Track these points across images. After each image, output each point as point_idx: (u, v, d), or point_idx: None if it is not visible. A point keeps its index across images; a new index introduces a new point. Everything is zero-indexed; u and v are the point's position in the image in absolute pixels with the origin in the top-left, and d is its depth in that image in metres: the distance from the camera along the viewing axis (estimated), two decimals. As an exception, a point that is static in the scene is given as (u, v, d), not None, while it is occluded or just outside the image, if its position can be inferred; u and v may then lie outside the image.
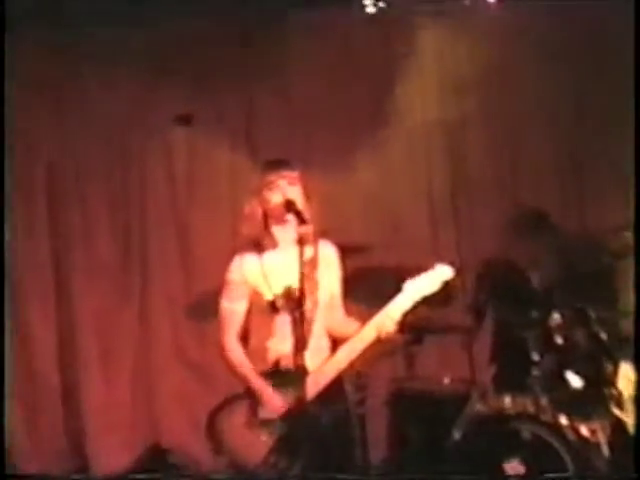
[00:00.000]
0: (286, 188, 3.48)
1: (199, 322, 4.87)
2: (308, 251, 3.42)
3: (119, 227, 5.44)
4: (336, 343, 3.53)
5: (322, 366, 3.44)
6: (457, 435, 4.09)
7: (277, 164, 3.55)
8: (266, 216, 3.53)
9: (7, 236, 5.15)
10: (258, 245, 3.53)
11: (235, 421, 3.42)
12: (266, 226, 3.53)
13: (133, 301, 5.40)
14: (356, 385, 4.16)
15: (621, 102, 4.70)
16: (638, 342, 3.86)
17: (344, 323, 3.59)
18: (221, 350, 3.53)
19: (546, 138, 5.26)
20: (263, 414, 3.41)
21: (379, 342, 3.43)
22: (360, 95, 5.37)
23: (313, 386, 3.34)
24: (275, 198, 3.49)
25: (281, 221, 3.51)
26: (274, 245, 3.52)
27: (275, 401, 3.41)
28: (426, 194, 5.40)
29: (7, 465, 4.61)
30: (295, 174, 3.52)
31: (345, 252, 3.68)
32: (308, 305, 3.37)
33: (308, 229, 3.39)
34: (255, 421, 3.40)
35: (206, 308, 4.16)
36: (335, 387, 3.47)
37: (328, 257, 3.58)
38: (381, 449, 4.50)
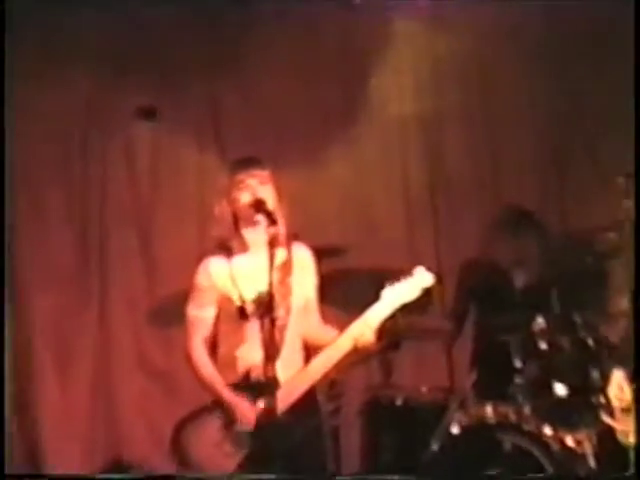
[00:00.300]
0: (256, 187, 3.46)
1: (163, 328, 4.86)
2: (280, 254, 3.40)
3: (77, 227, 5.37)
4: (310, 352, 3.52)
5: (295, 377, 3.42)
6: (435, 446, 4.05)
7: (247, 162, 3.53)
8: (236, 217, 3.50)
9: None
10: (227, 248, 3.50)
11: (202, 434, 3.39)
12: (236, 228, 3.51)
13: (92, 305, 5.34)
14: (329, 394, 4.18)
15: (613, 99, 4.76)
16: (637, 345, 3.83)
17: (320, 330, 3.58)
18: (187, 359, 3.50)
19: (528, 135, 5.27)
20: (233, 427, 3.37)
21: (355, 351, 3.42)
22: (332, 89, 5.37)
23: (285, 398, 3.32)
24: (244, 198, 3.47)
25: (251, 222, 3.48)
26: (244, 248, 3.50)
27: (247, 413, 3.38)
28: (403, 193, 5.40)
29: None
30: (265, 173, 3.51)
31: (319, 254, 3.69)
32: (280, 312, 3.35)
33: (279, 230, 3.37)
34: (224, 434, 3.36)
35: (170, 313, 4.15)
36: (308, 398, 3.45)
37: (302, 260, 3.56)
38: (355, 461, 4.47)
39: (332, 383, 4.19)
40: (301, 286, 3.51)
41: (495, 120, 5.33)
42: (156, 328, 5.03)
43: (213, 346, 3.51)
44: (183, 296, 3.60)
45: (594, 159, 5.14)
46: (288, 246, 3.47)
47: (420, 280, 3.45)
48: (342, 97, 5.38)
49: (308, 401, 3.43)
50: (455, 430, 4.05)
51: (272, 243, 3.28)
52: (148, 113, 5.29)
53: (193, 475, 3.34)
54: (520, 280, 4.57)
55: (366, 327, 3.40)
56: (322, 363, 3.40)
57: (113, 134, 5.37)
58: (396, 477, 3.95)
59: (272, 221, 3.33)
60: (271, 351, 3.23)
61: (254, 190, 3.45)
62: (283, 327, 3.38)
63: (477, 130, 5.35)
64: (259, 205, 3.41)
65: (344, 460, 4.35)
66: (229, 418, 3.38)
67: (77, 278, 5.33)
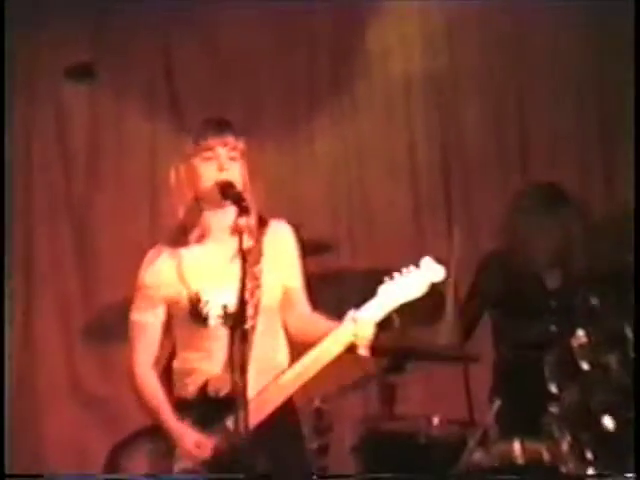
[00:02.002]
0: (225, 161, 3.43)
1: (102, 346, 4.87)
2: (249, 240, 3.38)
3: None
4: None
5: (267, 390, 3.41)
6: (450, 493, 4.08)
7: (218, 125, 3.49)
8: (196, 195, 3.47)
9: None
10: (182, 235, 3.48)
11: (138, 464, 3.41)
12: (195, 208, 3.48)
13: (14, 318, 5.33)
14: (316, 428, 4.14)
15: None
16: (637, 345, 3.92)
17: (311, 321, 3.57)
18: (130, 377, 3.50)
19: (565, 102, 5.36)
20: (177, 461, 3.39)
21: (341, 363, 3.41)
22: (319, 45, 5.41)
23: (255, 416, 3.28)
24: (209, 172, 3.43)
25: (215, 204, 3.47)
26: (203, 235, 3.48)
27: (193, 446, 3.38)
28: (408, 174, 5.41)
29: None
30: (240, 143, 3.48)
31: (303, 251, 3.66)
32: (249, 311, 3.34)
33: (251, 221, 3.36)
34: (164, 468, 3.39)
35: (111, 328, 4.08)
36: (287, 425, 3.46)
37: (281, 241, 3.55)
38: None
39: (319, 413, 4.19)
40: (278, 275, 3.50)
41: (525, 85, 5.40)
42: (93, 346, 5.02)
43: (162, 358, 3.52)
44: (126, 305, 3.60)
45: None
46: (260, 229, 3.46)
47: (428, 273, 3.44)
48: (331, 55, 5.41)
49: (287, 427, 3.45)
50: (475, 472, 4.03)
51: (238, 229, 3.27)
52: (84, 72, 5.29)
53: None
54: (555, 281, 4.58)
55: (358, 332, 3.39)
56: (295, 376, 3.41)
57: (39, 100, 5.36)
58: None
59: (243, 210, 3.32)
60: (234, 359, 3.22)
61: (221, 163, 3.42)
62: (251, 329, 3.36)
63: (500, 97, 5.41)
64: (226, 190, 3.40)
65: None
66: (174, 450, 3.40)
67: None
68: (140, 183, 5.27)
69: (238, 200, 3.34)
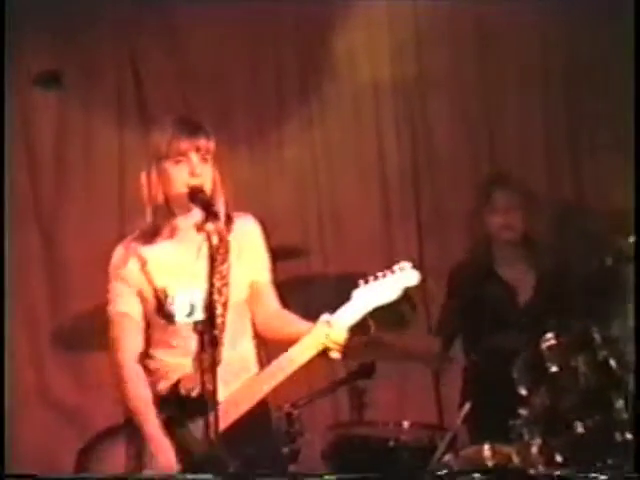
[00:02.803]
0: (197, 166, 3.43)
1: (70, 354, 4.83)
2: (215, 237, 3.36)
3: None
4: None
5: (239, 391, 3.42)
6: (420, 498, 4.05)
7: (191, 127, 3.49)
8: (166, 199, 3.47)
9: None
10: (150, 234, 3.50)
11: (109, 463, 3.41)
12: (164, 211, 3.49)
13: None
14: (287, 432, 4.13)
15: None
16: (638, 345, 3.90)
17: (279, 316, 3.57)
18: (117, 368, 3.49)
19: (534, 103, 5.35)
20: (144, 464, 3.39)
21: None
22: (287, 51, 5.41)
23: (227, 418, 3.30)
24: (180, 177, 3.43)
25: (184, 209, 3.49)
26: (171, 234, 3.50)
27: (168, 458, 3.38)
28: (377, 177, 5.41)
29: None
30: (211, 144, 3.48)
31: (273, 257, 3.68)
32: (217, 308, 3.34)
33: (219, 226, 3.35)
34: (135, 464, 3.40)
35: (82, 335, 4.04)
36: (260, 427, 3.48)
37: (248, 236, 3.56)
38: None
39: (289, 419, 4.17)
40: (245, 270, 3.51)
41: (493, 86, 5.41)
42: (62, 354, 5.01)
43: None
44: (99, 313, 3.60)
45: (612, 133, 5.18)
46: (226, 226, 3.44)
47: (402, 278, 3.43)
48: (298, 59, 5.42)
49: (257, 425, 3.45)
50: (444, 476, 3.99)
51: (207, 234, 3.26)
52: (51, 79, 5.28)
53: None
54: (529, 287, 4.60)
55: (331, 335, 3.38)
56: (268, 376, 3.41)
57: (6, 108, 5.27)
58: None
59: (211, 216, 3.31)
60: (202, 359, 3.21)
61: (193, 168, 3.42)
62: (221, 326, 3.36)
63: (469, 99, 5.42)
64: (195, 194, 3.40)
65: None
66: (140, 448, 3.40)
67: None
68: (109, 191, 5.25)
69: (207, 206, 3.34)
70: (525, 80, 5.39)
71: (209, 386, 3.16)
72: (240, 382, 3.47)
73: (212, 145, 3.48)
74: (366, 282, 3.44)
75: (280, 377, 3.42)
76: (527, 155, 5.37)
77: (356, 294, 3.43)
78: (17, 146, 5.39)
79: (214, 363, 3.16)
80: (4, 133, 5.32)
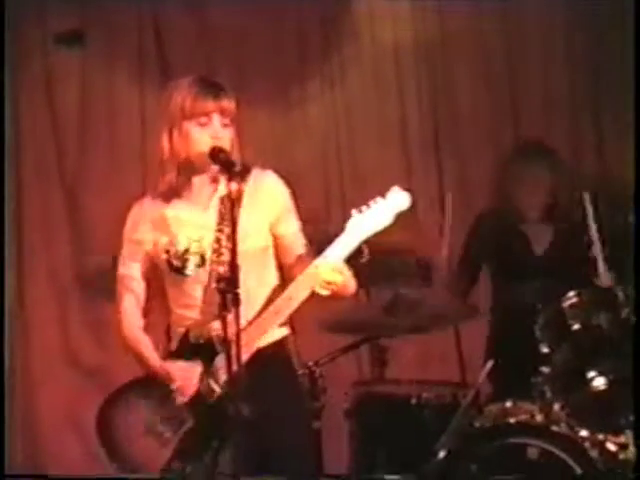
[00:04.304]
0: (219, 130, 3.42)
1: (93, 309, 4.93)
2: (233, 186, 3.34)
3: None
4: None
5: (244, 331, 3.36)
6: (442, 454, 4.03)
7: (215, 88, 3.46)
8: (187, 159, 3.46)
9: None
10: (168, 193, 3.51)
11: (130, 416, 3.47)
12: (184, 171, 3.48)
13: (5, 289, 5.31)
14: (310, 390, 4.15)
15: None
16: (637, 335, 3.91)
17: (301, 263, 3.50)
18: (117, 326, 3.54)
19: (558, 67, 5.32)
20: (169, 403, 3.42)
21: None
22: (307, 9, 5.39)
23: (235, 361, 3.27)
24: (202, 138, 3.41)
25: (205, 169, 3.48)
26: (188, 190, 3.51)
27: (184, 380, 3.41)
28: (399, 140, 5.42)
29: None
30: (233, 105, 3.46)
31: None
32: (225, 256, 3.37)
33: (240, 189, 3.32)
34: (158, 414, 3.43)
35: (103, 291, 4.09)
36: (282, 382, 3.50)
37: (265, 187, 3.51)
38: (341, 469, 4.45)
39: (312, 377, 4.19)
40: (263, 219, 3.49)
41: (515, 50, 5.39)
42: (85, 308, 5.09)
43: (146, 308, 3.58)
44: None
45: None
46: (242, 176, 3.37)
47: (394, 202, 3.38)
48: (320, 20, 5.39)
49: (280, 381, 3.49)
50: (467, 433, 4.05)
51: (229, 195, 3.25)
52: (73, 38, 5.30)
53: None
54: (546, 241, 4.58)
55: (327, 267, 3.34)
56: (270, 317, 3.42)
57: (28, 67, 5.35)
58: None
59: (233, 176, 3.28)
60: (211, 305, 3.27)
61: (216, 131, 3.41)
62: (230, 276, 3.26)
63: (492, 62, 5.40)
64: (217, 154, 3.37)
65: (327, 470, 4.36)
66: (164, 392, 3.43)
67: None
68: (131, 149, 5.26)
69: (229, 165, 3.32)
70: (548, 44, 5.35)
71: (219, 332, 3.22)
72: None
73: (233, 106, 3.46)
74: (360, 212, 3.37)
75: (281, 317, 3.42)
76: (551, 120, 5.33)
77: (350, 224, 3.37)
78: (40, 105, 5.41)
79: (224, 310, 3.18)
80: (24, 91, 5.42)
